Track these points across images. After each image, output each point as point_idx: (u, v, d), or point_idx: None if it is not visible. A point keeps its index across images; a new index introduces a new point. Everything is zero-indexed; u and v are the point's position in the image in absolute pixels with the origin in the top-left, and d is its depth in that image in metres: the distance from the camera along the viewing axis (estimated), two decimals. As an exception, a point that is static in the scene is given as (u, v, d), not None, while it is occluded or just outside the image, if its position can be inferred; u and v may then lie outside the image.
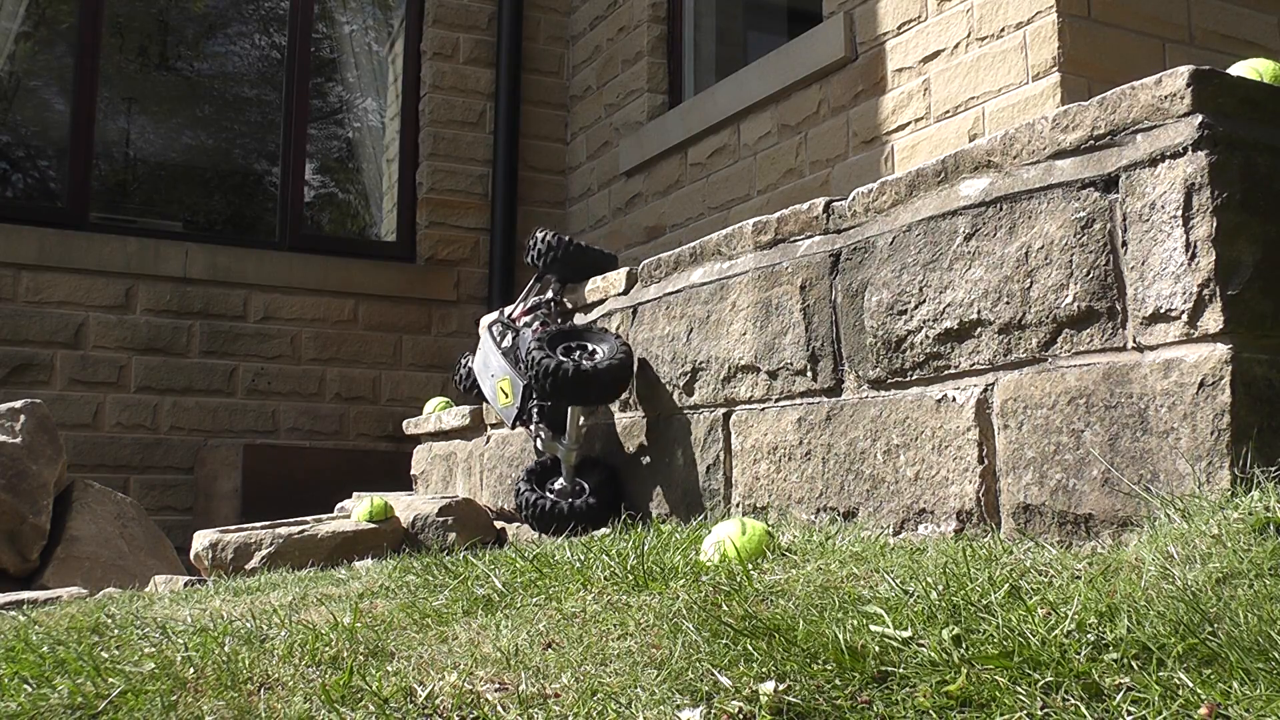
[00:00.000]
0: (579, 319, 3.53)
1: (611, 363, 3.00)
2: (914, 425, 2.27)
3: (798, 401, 2.60)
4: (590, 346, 3.10)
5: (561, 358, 3.02)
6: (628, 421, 3.24)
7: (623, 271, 3.35)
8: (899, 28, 4.17)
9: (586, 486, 3.17)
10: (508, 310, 3.72)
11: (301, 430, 5.87)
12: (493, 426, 4.01)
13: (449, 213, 6.38)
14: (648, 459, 3.11)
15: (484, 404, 3.95)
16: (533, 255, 3.61)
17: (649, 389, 3.12)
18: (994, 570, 1.68)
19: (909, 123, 4.09)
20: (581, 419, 3.25)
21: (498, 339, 3.54)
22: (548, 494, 3.18)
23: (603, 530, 3.02)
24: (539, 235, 3.62)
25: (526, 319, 3.55)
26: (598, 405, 3.25)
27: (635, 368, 3.12)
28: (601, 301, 3.44)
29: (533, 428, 3.31)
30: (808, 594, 1.71)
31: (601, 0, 6.34)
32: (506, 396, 3.37)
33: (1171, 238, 1.82)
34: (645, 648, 1.53)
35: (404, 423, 4.98)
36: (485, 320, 3.61)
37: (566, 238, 3.58)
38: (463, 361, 3.97)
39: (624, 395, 3.17)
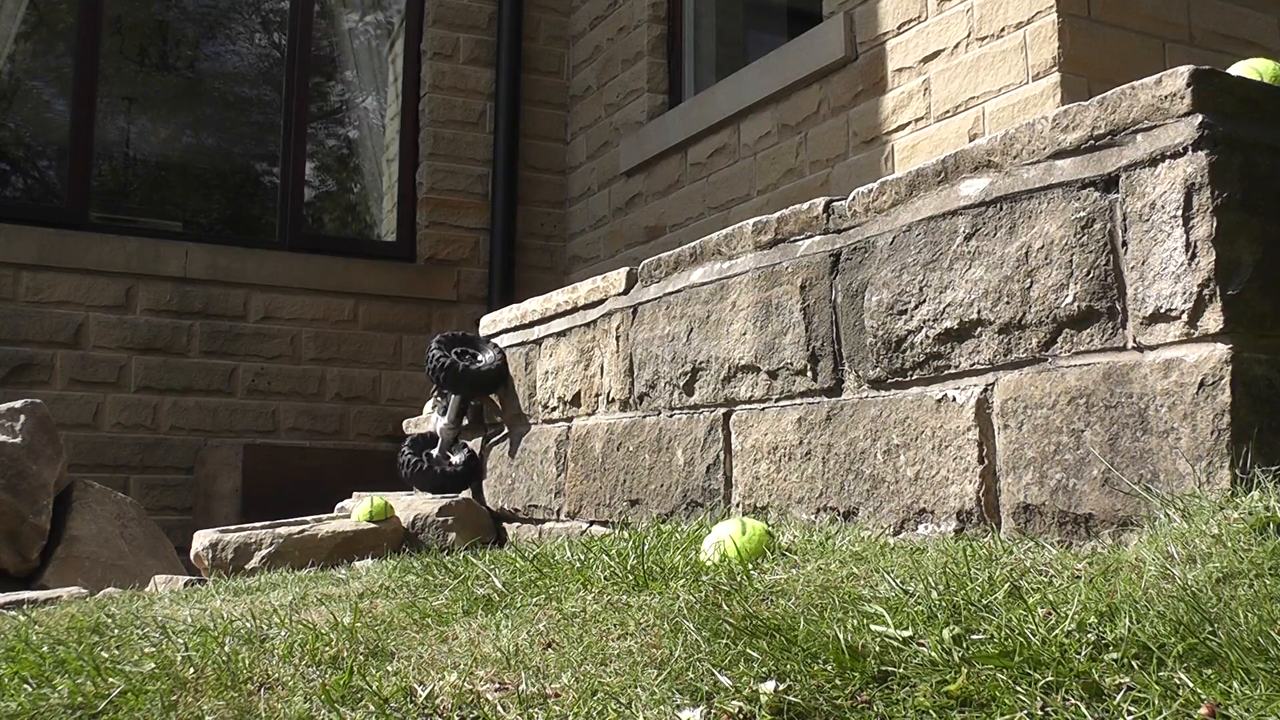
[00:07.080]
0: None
1: (489, 366, 3.94)
2: (914, 425, 2.27)
3: (798, 401, 2.60)
4: (477, 354, 4.02)
5: (454, 357, 3.93)
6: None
7: (623, 271, 3.35)
8: (899, 28, 4.17)
9: (455, 459, 4.06)
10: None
11: (301, 430, 5.87)
12: (491, 427, 4.06)
13: (449, 212, 6.38)
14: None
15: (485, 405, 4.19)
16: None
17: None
18: (994, 570, 1.68)
19: (909, 123, 4.09)
20: (463, 413, 4.10)
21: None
22: (424, 458, 4.01)
23: (465, 494, 4.05)
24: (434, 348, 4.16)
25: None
26: (478, 396, 4.06)
27: (507, 373, 3.93)
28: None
29: (426, 408, 4.30)
30: (808, 594, 1.71)
31: (601, 0, 6.34)
32: None
33: (1171, 238, 1.82)
34: (645, 648, 1.53)
35: (404, 422, 4.97)
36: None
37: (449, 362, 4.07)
38: None
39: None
